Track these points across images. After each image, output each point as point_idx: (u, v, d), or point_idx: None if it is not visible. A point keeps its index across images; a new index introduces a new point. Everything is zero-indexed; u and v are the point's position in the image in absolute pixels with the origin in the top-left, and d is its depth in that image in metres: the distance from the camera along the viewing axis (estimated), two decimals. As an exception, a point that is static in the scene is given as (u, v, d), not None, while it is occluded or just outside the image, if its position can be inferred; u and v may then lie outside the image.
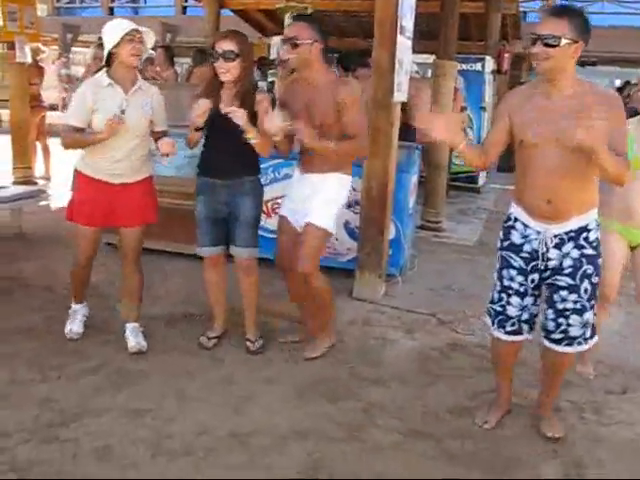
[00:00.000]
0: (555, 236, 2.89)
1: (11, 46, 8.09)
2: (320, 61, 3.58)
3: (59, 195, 7.29)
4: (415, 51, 5.07)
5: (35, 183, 8.34)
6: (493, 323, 3.14)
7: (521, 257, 2.98)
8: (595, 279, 2.93)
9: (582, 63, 12.64)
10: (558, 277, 2.93)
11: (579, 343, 2.98)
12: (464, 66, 9.47)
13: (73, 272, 3.98)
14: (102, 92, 3.54)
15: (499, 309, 3.09)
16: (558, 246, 2.90)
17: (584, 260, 2.89)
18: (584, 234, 2.89)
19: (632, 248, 3.68)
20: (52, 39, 16.62)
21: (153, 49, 7.57)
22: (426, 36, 9.17)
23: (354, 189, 5.02)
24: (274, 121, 3.39)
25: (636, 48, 15.10)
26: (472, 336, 4.32)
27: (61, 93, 14.84)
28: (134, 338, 3.85)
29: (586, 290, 2.91)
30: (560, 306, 2.94)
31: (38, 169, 9.05)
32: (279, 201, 4.75)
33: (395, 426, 3.20)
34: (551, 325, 2.99)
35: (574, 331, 2.95)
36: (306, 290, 3.79)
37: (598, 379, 3.81)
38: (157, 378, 3.54)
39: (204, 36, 10.76)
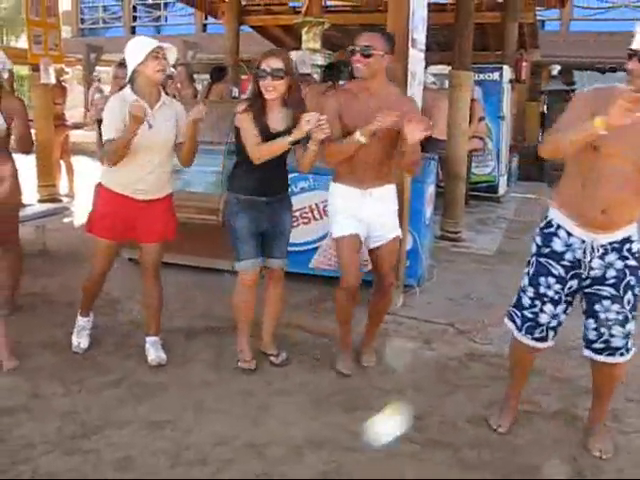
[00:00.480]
0: (601, 246, 2.89)
1: (36, 68, 8.27)
2: (384, 73, 3.60)
3: (83, 212, 7.42)
4: (432, 62, 5.12)
5: (59, 201, 8.49)
6: (520, 329, 3.12)
7: (562, 265, 2.96)
8: (637, 290, 2.93)
9: (601, 70, 12.59)
10: (600, 287, 2.93)
11: (621, 354, 2.97)
12: (481, 76, 9.48)
13: (86, 285, 4.05)
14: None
15: (530, 315, 3.07)
16: (602, 256, 2.89)
17: (627, 271, 2.90)
18: (627, 245, 2.90)
19: None
20: (76, 59, 16.92)
21: (174, 66, 7.70)
22: (442, 47, 9.23)
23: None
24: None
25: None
26: (490, 345, 4.32)
27: (97, 114, 15.16)
28: (154, 351, 3.91)
29: (629, 301, 2.91)
30: (602, 316, 2.93)
31: (62, 187, 9.22)
32: (296, 214, 4.81)
33: (412, 436, 3.21)
34: (592, 335, 2.98)
35: (616, 342, 2.94)
36: (383, 302, 3.91)
37: (617, 387, 3.78)
38: (176, 390, 3.59)
39: (224, 53, 10.92)
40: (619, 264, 2.89)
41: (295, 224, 4.17)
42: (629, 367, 3.17)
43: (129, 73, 3.66)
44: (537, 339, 3.09)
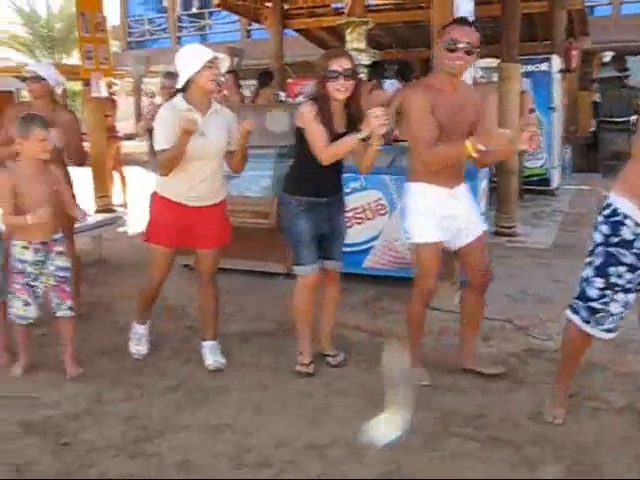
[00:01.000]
0: None
1: (88, 82, 8.46)
2: None
3: (136, 221, 7.57)
4: (479, 56, 5.04)
5: (113, 211, 8.66)
6: (587, 321, 3.05)
7: (633, 253, 2.91)
8: None
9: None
10: None
11: None
12: (530, 67, 9.32)
13: (144, 293, 4.09)
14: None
15: (599, 306, 3.00)
16: None
17: None
18: None
19: None
20: (125, 72, 17.27)
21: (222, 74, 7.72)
22: (489, 40, 9.09)
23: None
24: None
25: None
26: (549, 341, 4.23)
27: (147, 125, 15.56)
28: (212, 356, 3.95)
29: None
30: None
31: (116, 197, 9.41)
32: (349, 214, 4.80)
33: (472, 434, 3.17)
34: None
35: None
36: (481, 302, 3.79)
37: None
38: (234, 394, 3.62)
39: (268, 58, 10.99)
40: None
41: (348, 224, 4.14)
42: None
43: (182, 82, 3.67)
44: (607, 330, 3.03)
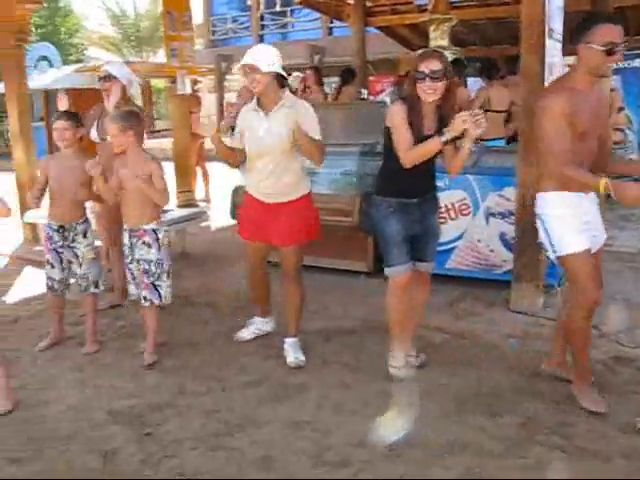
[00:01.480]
0: None
1: (173, 80, 8.66)
2: None
3: (218, 216, 7.71)
4: (565, 53, 4.87)
5: (196, 206, 8.83)
6: None
7: None
8: None
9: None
10: None
11: None
12: (620, 64, 8.97)
13: (247, 283, 4.30)
14: (248, 115, 3.83)
15: None
16: None
17: None
18: None
19: None
20: (208, 69, 17.59)
21: (301, 69, 7.78)
22: (577, 36, 8.81)
23: (508, 199, 4.93)
24: None
25: None
26: (639, 349, 4.06)
27: (230, 122, 15.90)
28: (293, 352, 3.97)
29: None
30: None
31: (198, 192, 9.59)
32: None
33: (557, 443, 3.07)
34: None
35: None
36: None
37: None
38: (315, 391, 3.63)
39: (350, 55, 10.97)
40: None
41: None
42: None
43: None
44: None
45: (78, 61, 21.35)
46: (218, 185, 9.35)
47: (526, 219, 4.59)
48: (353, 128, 5.59)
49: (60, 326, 4.42)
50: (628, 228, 7.56)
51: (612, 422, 3.23)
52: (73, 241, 4.21)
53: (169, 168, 8.31)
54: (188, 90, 8.86)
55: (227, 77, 18.50)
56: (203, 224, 7.29)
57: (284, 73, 3.79)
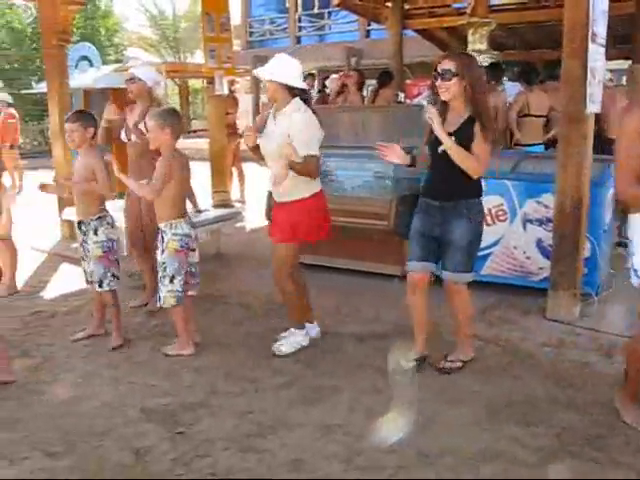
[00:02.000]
0: None
1: (210, 80, 8.72)
2: None
3: (253, 217, 7.73)
4: (608, 57, 4.79)
5: (231, 206, 8.87)
6: None
7: None
8: None
9: None
10: None
11: None
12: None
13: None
14: (268, 117, 4.04)
15: None
16: None
17: None
18: None
19: None
20: (245, 70, 17.70)
21: (339, 72, 7.74)
22: (620, 40, 8.66)
23: (546, 206, 4.86)
24: None
25: None
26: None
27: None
28: (278, 343, 4.17)
29: None
30: None
31: (234, 193, 9.64)
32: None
33: (591, 455, 3.01)
34: None
35: None
36: None
37: None
38: (347, 394, 3.61)
39: (387, 58, 10.93)
40: None
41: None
42: None
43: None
44: None
45: (117, 61, 21.64)
46: (254, 186, 9.39)
47: (564, 226, 4.54)
48: (390, 131, 5.56)
49: (98, 321, 4.51)
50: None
51: (650, 436, 3.17)
52: (86, 237, 4.32)
53: (205, 168, 8.43)
54: (226, 91, 8.91)
55: (263, 78, 18.59)
56: (238, 225, 7.32)
57: (289, 83, 3.84)
